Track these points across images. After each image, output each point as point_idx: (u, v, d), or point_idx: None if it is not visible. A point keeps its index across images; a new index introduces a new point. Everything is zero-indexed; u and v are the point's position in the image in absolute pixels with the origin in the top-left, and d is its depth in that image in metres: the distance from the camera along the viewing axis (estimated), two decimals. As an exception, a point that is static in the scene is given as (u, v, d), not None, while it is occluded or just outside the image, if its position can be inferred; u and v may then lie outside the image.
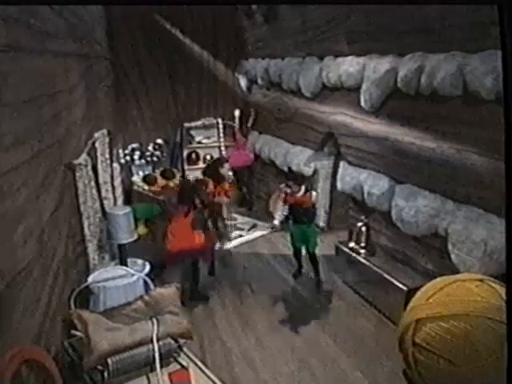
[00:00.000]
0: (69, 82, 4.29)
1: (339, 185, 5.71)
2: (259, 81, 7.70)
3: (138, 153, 7.96)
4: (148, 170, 8.06)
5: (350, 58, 5.15)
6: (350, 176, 5.43)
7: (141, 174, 7.88)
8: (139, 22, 7.57)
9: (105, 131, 5.71)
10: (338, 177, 5.72)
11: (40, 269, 3.10)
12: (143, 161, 8.02)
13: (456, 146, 3.90)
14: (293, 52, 6.54)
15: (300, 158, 6.67)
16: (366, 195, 5.10)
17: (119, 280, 3.70)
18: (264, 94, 7.82)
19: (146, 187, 7.65)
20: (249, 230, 7.02)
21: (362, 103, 4.96)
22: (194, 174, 8.57)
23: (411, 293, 3.82)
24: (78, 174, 4.16)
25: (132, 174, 7.96)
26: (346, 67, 5.13)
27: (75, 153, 4.36)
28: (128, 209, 4.49)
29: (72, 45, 4.53)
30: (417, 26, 4.05)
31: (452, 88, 3.73)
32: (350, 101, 5.31)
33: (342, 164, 5.72)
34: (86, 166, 4.30)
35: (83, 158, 4.33)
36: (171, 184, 8.00)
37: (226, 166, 6.16)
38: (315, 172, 6.53)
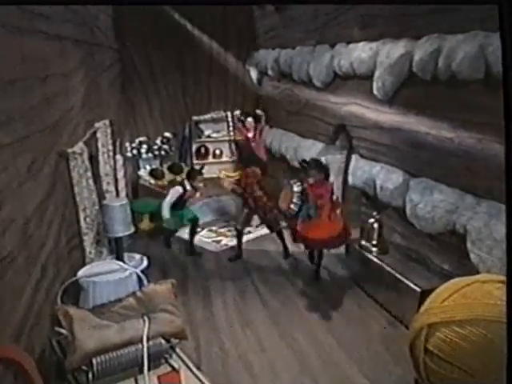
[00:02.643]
0: (65, 67, 4.10)
1: (350, 179, 5.41)
2: (269, 72, 7.43)
3: (145, 146, 7.77)
4: (155, 164, 7.88)
5: (362, 43, 4.84)
6: (361, 170, 5.13)
7: (148, 168, 7.70)
8: (147, 13, 7.36)
9: (107, 121, 5.53)
10: (350, 171, 5.42)
11: (24, 261, 2.91)
12: (150, 154, 7.83)
13: (476, 136, 3.57)
14: (303, 40, 6.25)
15: (311, 152, 6.37)
16: (378, 190, 4.80)
17: (110, 275, 3.49)
18: (275, 85, 7.55)
19: (153, 181, 7.47)
20: (257, 226, 6.76)
21: (375, 91, 4.66)
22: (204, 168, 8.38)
23: (425, 295, 3.51)
24: (72, 163, 3.96)
25: (139, 168, 7.78)
26: (358, 53, 4.83)
27: (71, 141, 4.17)
28: (125, 200, 4.29)
29: (69, 29, 4.34)
30: (433, 6, 3.73)
31: (472, 71, 3.40)
32: (363, 90, 5.00)
33: (353, 157, 5.42)
34: (81, 155, 4.11)
35: (79, 146, 4.14)
36: (178, 179, 7.80)
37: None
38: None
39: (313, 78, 5.94)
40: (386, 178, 4.67)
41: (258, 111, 7.88)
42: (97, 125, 5.15)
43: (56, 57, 3.86)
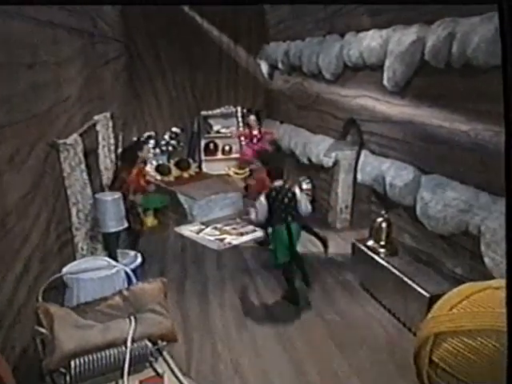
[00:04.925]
0: (58, 55, 3.95)
1: (359, 176, 5.14)
2: (280, 65, 7.19)
3: (152, 141, 7.63)
4: (163, 160, 7.73)
5: (371, 31, 4.56)
6: (370, 166, 4.85)
7: (154, 163, 7.55)
8: (155, 5, 7.21)
9: (108, 114, 5.38)
10: (359, 167, 5.14)
11: (2, 255, 2.76)
12: (158, 150, 7.68)
13: (493, 128, 3.26)
14: (314, 31, 5.99)
15: (320, 148, 6.12)
16: (387, 187, 4.51)
17: (96, 272, 3.31)
18: (285, 79, 7.30)
19: (159, 177, 7.32)
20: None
21: (385, 82, 4.37)
22: (212, 165, 8.21)
23: (435, 300, 3.22)
24: (62, 155, 3.81)
25: (146, 163, 7.63)
26: (368, 42, 4.55)
27: (65, 132, 4.02)
28: (117, 195, 4.11)
29: (64, 17, 4.18)
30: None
31: (489, 56, 3.10)
32: (373, 81, 4.72)
33: (362, 153, 5.14)
34: (73, 147, 3.94)
35: (72, 138, 3.98)
36: (185, 175, 7.65)
37: None
38: (336, 163, 5.96)
39: (322, 69, 5.68)
40: (395, 174, 4.39)
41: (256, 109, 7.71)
42: (96, 117, 4.99)
43: (47, 44, 3.70)
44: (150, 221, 6.34)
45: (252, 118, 7.16)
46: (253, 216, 4.41)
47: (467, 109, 3.51)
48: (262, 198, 4.19)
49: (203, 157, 8.22)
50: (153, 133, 7.75)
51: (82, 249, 4.13)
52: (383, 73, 4.39)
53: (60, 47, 4.01)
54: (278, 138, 7.35)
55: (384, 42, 4.31)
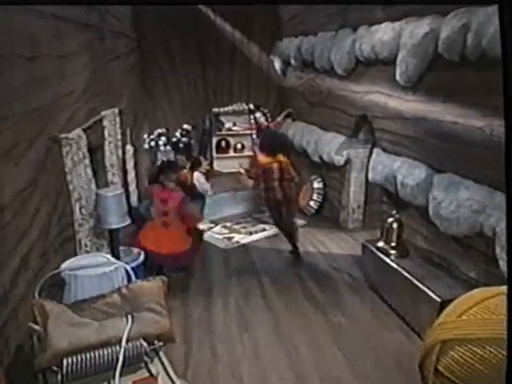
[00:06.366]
0: (61, 49, 3.90)
1: (370, 175, 4.96)
2: (292, 61, 7.05)
3: (163, 138, 7.56)
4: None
5: (384, 24, 4.39)
6: (382, 164, 4.67)
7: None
8: (162, 5, 7.14)
9: (116, 110, 5.33)
10: (370, 165, 4.97)
11: (-4, 249, 2.71)
12: (169, 147, 7.61)
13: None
14: (326, 25, 5.84)
15: (332, 146, 5.96)
16: (399, 186, 4.34)
17: (94, 268, 3.24)
18: (298, 76, 7.16)
19: (169, 174, 7.24)
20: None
21: (398, 77, 4.20)
22: (224, 163, 8.11)
23: (446, 305, 3.04)
24: (65, 150, 3.75)
25: (157, 160, 7.58)
26: (380, 35, 4.38)
27: (69, 127, 3.97)
28: (120, 190, 4.04)
29: (69, 10, 4.14)
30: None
31: (505, 47, 2.91)
32: (386, 77, 4.55)
33: (374, 151, 4.96)
34: (76, 141, 3.88)
35: (75, 133, 3.93)
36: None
37: None
38: (347, 162, 5.80)
39: (334, 65, 5.52)
40: (407, 173, 4.21)
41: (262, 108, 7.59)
42: (103, 113, 4.94)
43: (49, 37, 3.65)
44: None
45: (258, 115, 7.05)
46: None
47: (482, 104, 3.32)
48: None
49: (215, 154, 8.13)
50: (164, 130, 7.69)
51: (86, 245, 4.07)
52: (396, 67, 4.22)
53: (64, 41, 3.96)
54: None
55: (396, 35, 4.14)
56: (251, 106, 7.80)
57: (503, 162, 3.08)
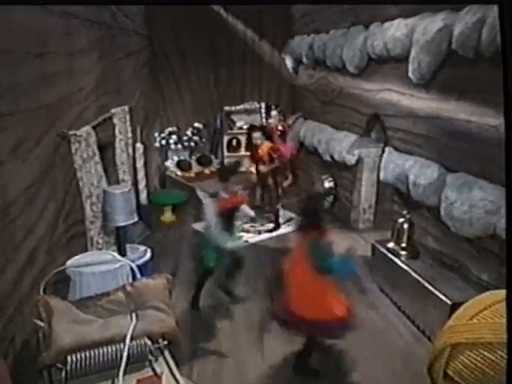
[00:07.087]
0: (70, 46, 3.91)
1: (382, 174, 4.88)
2: (304, 60, 6.98)
3: (174, 137, 7.57)
4: (184, 156, 7.67)
5: (397, 20, 4.31)
6: (393, 163, 4.59)
7: (176, 158, 7.50)
8: (172, 5, 7.14)
9: (126, 108, 5.34)
10: (382, 165, 4.88)
11: (3, 245, 2.71)
12: (180, 145, 7.62)
13: (525, 122, 2.98)
14: (338, 23, 5.76)
15: (343, 145, 5.89)
16: (411, 186, 4.25)
17: (99, 266, 3.23)
18: (310, 74, 7.09)
19: (179, 173, 7.27)
20: (284, 223, 6.37)
21: (411, 74, 4.12)
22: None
23: (456, 308, 2.97)
24: (73, 147, 3.76)
25: (167, 158, 7.60)
26: (393, 32, 4.30)
27: (78, 124, 3.97)
28: (127, 188, 4.03)
29: (79, 8, 4.14)
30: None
31: (521, 43, 2.82)
32: (398, 74, 4.47)
33: (386, 149, 4.88)
34: (85, 138, 3.89)
35: (84, 130, 3.93)
36: (206, 171, 7.56)
37: None
38: (359, 161, 5.71)
39: (346, 62, 5.45)
40: (419, 172, 4.12)
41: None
42: (113, 110, 4.95)
43: (59, 34, 3.66)
44: (168, 216, 6.29)
45: (274, 113, 6.99)
46: None
47: (497, 102, 3.20)
48: None
49: (226, 153, 8.10)
50: (175, 128, 7.70)
51: (98, 242, 4.08)
52: (408, 65, 4.14)
53: (73, 38, 3.97)
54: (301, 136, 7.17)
55: (409, 32, 4.06)
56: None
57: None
